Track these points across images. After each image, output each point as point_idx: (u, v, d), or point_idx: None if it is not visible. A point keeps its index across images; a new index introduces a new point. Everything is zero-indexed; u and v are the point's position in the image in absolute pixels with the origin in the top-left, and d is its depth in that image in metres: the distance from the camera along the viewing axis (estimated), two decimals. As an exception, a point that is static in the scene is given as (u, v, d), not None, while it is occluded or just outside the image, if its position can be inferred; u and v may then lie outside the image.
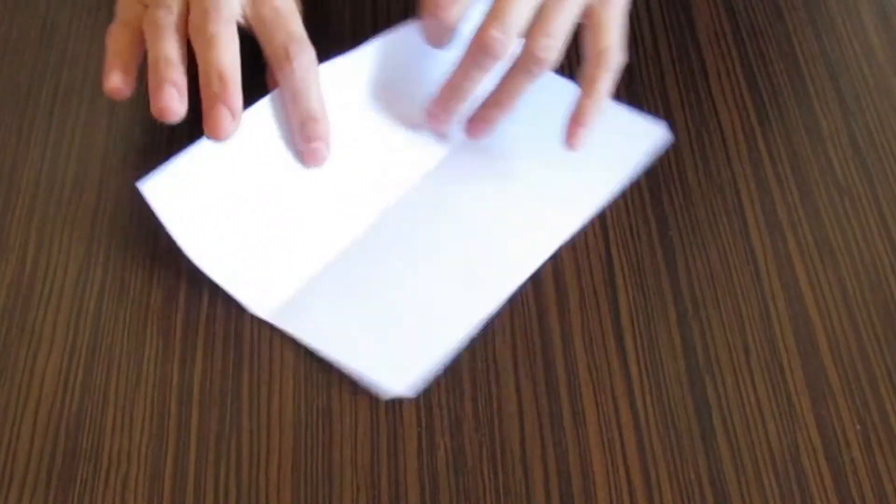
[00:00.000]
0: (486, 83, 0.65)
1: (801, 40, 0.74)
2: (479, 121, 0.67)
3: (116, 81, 0.64)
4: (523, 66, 0.64)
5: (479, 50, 0.63)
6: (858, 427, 0.59)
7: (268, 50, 0.65)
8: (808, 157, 0.70)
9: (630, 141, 0.69)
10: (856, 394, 0.60)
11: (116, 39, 0.65)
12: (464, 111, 0.67)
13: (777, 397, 0.60)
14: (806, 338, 0.62)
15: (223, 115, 0.62)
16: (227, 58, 0.63)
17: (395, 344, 0.61)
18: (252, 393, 0.60)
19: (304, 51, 0.64)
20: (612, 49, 0.65)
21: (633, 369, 0.61)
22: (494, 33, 0.63)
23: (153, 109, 0.62)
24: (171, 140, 0.69)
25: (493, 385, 0.60)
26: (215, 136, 0.63)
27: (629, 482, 0.57)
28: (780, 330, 0.63)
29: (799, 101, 0.70)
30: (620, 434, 0.59)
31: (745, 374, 0.61)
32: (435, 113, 0.67)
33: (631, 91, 0.72)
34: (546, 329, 0.62)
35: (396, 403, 0.60)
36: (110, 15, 0.74)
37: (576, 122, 0.65)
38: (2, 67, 0.72)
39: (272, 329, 0.62)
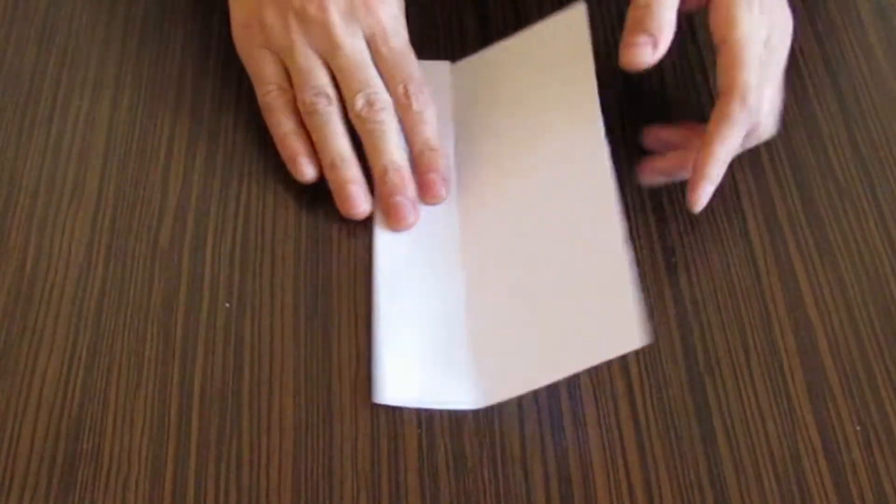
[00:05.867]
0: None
1: (801, 40, 0.74)
2: (705, 180, 0.64)
3: (312, 174, 0.66)
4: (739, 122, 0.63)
5: (741, 112, 0.62)
6: (858, 428, 0.59)
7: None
8: (808, 157, 0.70)
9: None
10: (856, 394, 0.61)
11: (287, 133, 0.67)
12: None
13: (777, 398, 0.60)
14: (806, 338, 0.62)
15: (406, 207, 0.65)
16: (399, 149, 0.66)
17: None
18: (252, 393, 0.60)
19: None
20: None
21: (633, 370, 0.61)
22: (751, 101, 0.62)
23: (342, 210, 0.65)
24: (171, 140, 0.69)
25: (494, 386, 0.60)
26: (398, 227, 0.65)
27: (629, 483, 0.57)
28: (779, 331, 0.63)
29: (799, 101, 0.70)
30: (620, 435, 0.59)
31: (744, 375, 0.61)
32: (702, 184, 0.64)
33: (630, 90, 0.72)
34: (546, 330, 0.62)
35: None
36: (110, 15, 0.74)
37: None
38: (2, 67, 0.72)
39: (272, 329, 0.62)
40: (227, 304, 0.63)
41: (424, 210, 0.66)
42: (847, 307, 0.64)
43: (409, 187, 0.65)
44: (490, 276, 0.64)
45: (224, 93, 0.71)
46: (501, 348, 0.61)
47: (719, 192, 0.65)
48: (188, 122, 0.70)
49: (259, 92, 0.68)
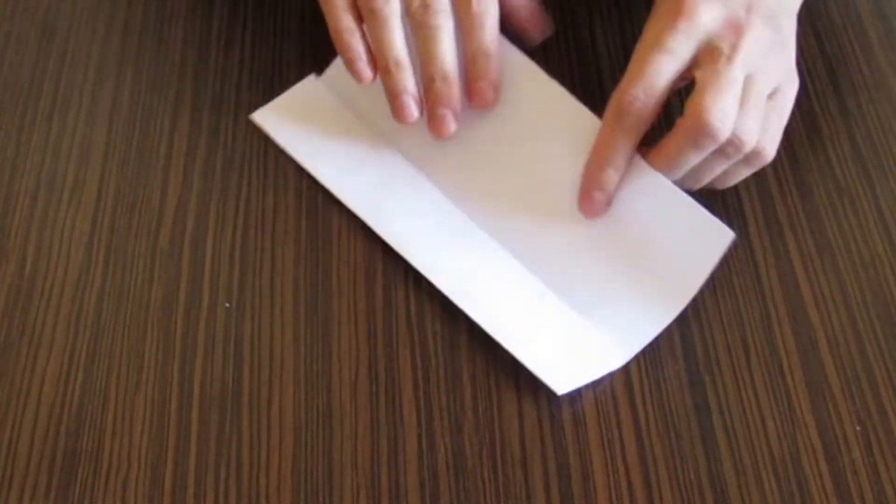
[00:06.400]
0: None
1: (801, 40, 0.74)
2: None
3: (369, 76, 0.65)
4: (724, 152, 0.61)
5: (698, 131, 0.60)
6: (858, 427, 0.59)
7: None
8: (808, 157, 0.70)
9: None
10: (855, 394, 0.61)
11: (344, 30, 0.65)
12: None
13: (777, 398, 0.60)
14: (806, 338, 0.62)
15: (448, 120, 0.64)
16: (450, 56, 0.64)
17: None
18: (252, 393, 0.60)
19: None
20: (769, 145, 0.63)
21: (633, 370, 0.61)
22: (716, 121, 0.59)
23: (393, 115, 0.65)
24: (171, 140, 0.69)
25: (493, 386, 0.60)
26: (440, 137, 0.65)
27: (629, 483, 0.57)
28: (779, 330, 0.63)
29: (798, 101, 0.70)
30: (620, 435, 0.59)
31: (744, 375, 0.61)
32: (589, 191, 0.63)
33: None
34: (546, 329, 0.62)
35: (396, 404, 0.60)
36: (110, 17, 0.75)
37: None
38: (2, 68, 0.72)
39: (272, 329, 0.62)
40: (227, 304, 0.63)
41: (404, 195, 0.67)
42: (847, 307, 0.64)
43: (454, 98, 0.64)
44: (529, 237, 0.64)
45: (224, 93, 0.71)
46: (607, 298, 0.62)
47: (720, 192, 0.65)
48: (188, 122, 0.70)
49: None
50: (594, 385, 0.61)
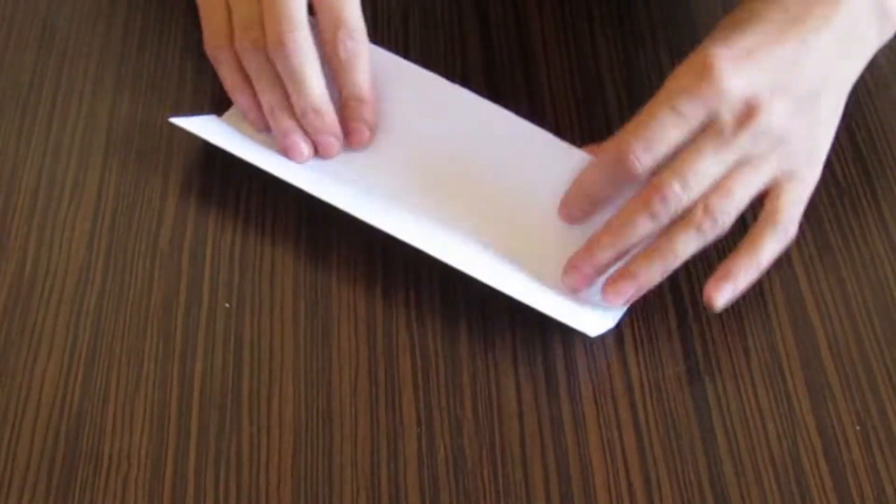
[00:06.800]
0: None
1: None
2: (627, 277, 0.61)
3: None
4: (692, 222, 0.59)
5: (654, 196, 0.59)
6: (858, 428, 0.59)
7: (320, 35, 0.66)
8: (808, 157, 0.70)
9: None
10: (855, 395, 0.61)
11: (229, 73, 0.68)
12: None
13: (777, 398, 0.60)
14: (805, 338, 0.62)
15: (331, 144, 0.67)
16: (317, 89, 0.66)
17: None
18: (252, 393, 0.60)
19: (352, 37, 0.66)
20: (788, 222, 0.61)
21: (633, 371, 0.61)
22: (676, 188, 0.58)
23: (281, 149, 0.67)
24: (171, 140, 0.69)
25: (493, 386, 0.60)
26: (327, 157, 0.67)
27: (629, 484, 0.57)
28: (779, 331, 0.63)
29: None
30: (620, 435, 0.59)
31: (744, 376, 0.61)
32: (582, 261, 0.62)
33: (630, 90, 0.72)
34: (546, 331, 0.62)
35: (396, 404, 0.60)
36: (110, 17, 0.75)
37: (723, 275, 0.61)
38: (2, 68, 0.72)
39: (272, 329, 0.62)
40: (227, 305, 0.63)
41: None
42: (847, 307, 0.64)
43: (329, 127, 0.66)
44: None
45: (224, 93, 0.71)
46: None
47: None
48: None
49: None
50: (594, 385, 0.61)
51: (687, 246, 0.60)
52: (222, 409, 0.59)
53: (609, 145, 0.61)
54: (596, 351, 0.61)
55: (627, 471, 0.58)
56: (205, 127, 0.67)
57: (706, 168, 0.59)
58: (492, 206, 0.65)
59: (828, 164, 0.69)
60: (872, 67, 0.73)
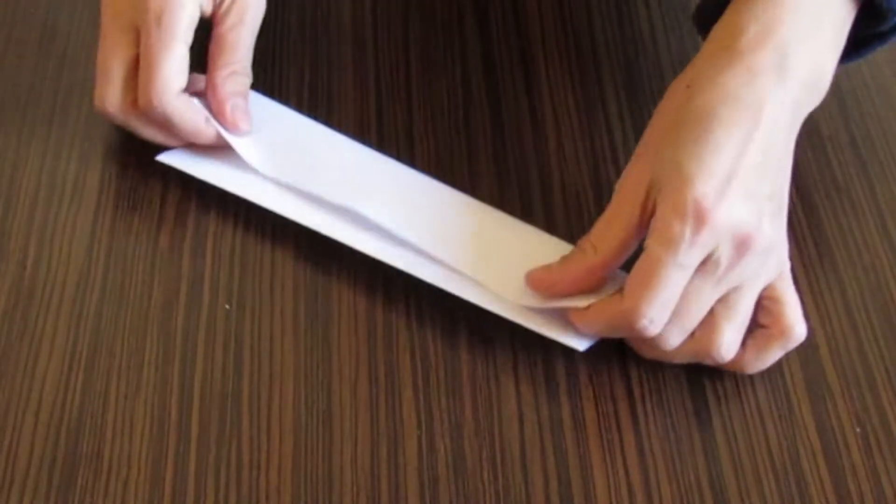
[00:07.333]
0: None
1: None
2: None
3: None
4: (707, 359, 0.60)
5: (623, 322, 0.58)
6: (858, 429, 0.59)
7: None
8: (808, 158, 0.70)
9: None
10: (855, 396, 0.61)
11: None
12: None
13: (776, 400, 0.60)
14: (805, 339, 0.62)
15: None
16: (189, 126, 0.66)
17: None
18: (252, 395, 0.60)
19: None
20: (798, 324, 0.60)
21: (633, 372, 0.61)
22: (675, 334, 0.58)
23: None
24: (171, 141, 0.69)
25: (493, 387, 0.60)
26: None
27: (629, 484, 0.57)
28: (779, 332, 0.63)
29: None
30: (620, 437, 0.59)
31: (744, 377, 0.61)
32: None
33: (630, 90, 0.72)
34: (546, 331, 0.62)
35: (396, 405, 0.60)
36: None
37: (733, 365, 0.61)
38: (2, 69, 0.72)
39: (272, 330, 0.62)
40: (227, 306, 0.63)
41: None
42: (847, 308, 0.64)
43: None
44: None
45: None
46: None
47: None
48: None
49: None
50: (594, 386, 0.61)
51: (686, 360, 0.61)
52: (222, 411, 0.59)
53: (612, 299, 0.59)
54: (596, 352, 0.61)
55: (627, 471, 0.58)
56: (192, 164, 0.67)
57: (702, 307, 0.58)
58: (474, 222, 0.66)
59: (828, 164, 0.69)
60: (873, 67, 0.73)
